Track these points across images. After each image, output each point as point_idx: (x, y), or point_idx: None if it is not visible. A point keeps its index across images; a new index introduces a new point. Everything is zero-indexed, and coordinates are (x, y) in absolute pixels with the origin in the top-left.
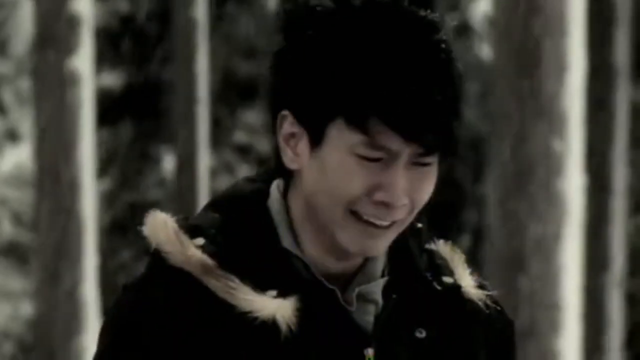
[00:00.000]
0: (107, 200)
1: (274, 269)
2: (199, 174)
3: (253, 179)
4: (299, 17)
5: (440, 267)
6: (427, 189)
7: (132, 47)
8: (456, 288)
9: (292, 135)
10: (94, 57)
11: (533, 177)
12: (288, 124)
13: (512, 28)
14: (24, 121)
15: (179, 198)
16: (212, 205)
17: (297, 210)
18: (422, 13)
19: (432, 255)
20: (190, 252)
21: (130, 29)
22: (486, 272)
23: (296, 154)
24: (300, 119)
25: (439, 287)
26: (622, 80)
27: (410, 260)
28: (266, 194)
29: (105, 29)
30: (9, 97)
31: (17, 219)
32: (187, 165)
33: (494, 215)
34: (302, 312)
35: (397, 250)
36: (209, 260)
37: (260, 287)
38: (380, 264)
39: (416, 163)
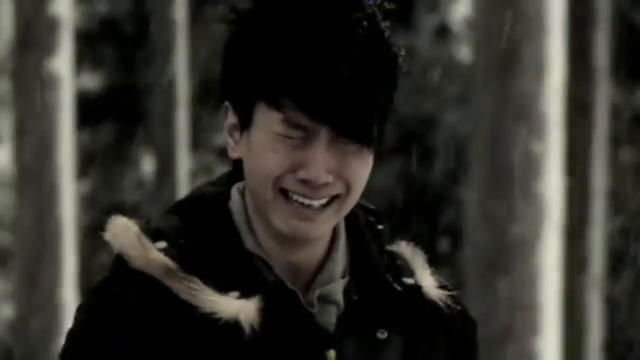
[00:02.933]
0: (87, 202)
1: (236, 270)
2: (179, 176)
3: (214, 182)
4: (235, 10)
5: (400, 268)
6: (358, 168)
7: (111, 49)
8: (416, 288)
9: (234, 125)
10: (73, 59)
11: (512, 178)
12: (230, 115)
13: (492, 30)
14: (3, 123)
15: (158, 200)
16: (174, 209)
17: (250, 205)
18: None
19: (393, 256)
20: (152, 256)
21: (110, 31)
22: (465, 274)
23: (236, 142)
24: (233, 106)
25: (399, 288)
26: (602, 82)
27: (370, 262)
28: (227, 196)
29: (84, 31)
30: None
31: None
32: (166, 167)
33: (473, 217)
34: (265, 313)
35: (357, 251)
36: (170, 263)
37: (223, 288)
38: (340, 265)
39: (341, 141)
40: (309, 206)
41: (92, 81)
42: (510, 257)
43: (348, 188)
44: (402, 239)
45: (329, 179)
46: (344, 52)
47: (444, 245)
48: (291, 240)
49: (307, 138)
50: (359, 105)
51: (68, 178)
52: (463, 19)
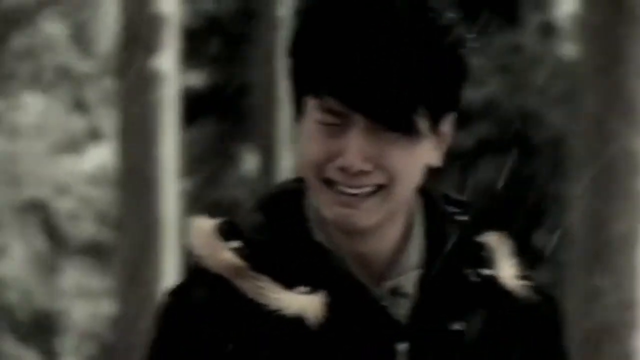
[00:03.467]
0: (191, 200)
1: (306, 265)
2: (281, 172)
3: (299, 178)
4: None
5: (483, 259)
6: (399, 157)
7: (216, 47)
8: (494, 279)
9: None
10: (179, 56)
11: (614, 175)
12: None
13: (598, 28)
14: (107, 120)
15: None
16: (256, 205)
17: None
18: None
19: (480, 247)
20: (221, 256)
21: (215, 29)
22: (567, 271)
23: None
24: (291, 99)
25: (476, 279)
26: None
27: (446, 253)
28: (305, 192)
29: (191, 29)
30: (92, 96)
31: (99, 218)
32: (269, 164)
33: (575, 214)
34: (332, 307)
35: (434, 242)
36: (239, 263)
37: (291, 283)
38: (414, 257)
39: (379, 129)
40: (352, 194)
41: (198, 78)
42: (610, 253)
43: (391, 178)
44: (494, 230)
45: (365, 166)
46: (378, 38)
47: (546, 242)
48: (350, 231)
49: (343, 125)
50: (393, 93)
51: (171, 175)
52: (569, 16)
